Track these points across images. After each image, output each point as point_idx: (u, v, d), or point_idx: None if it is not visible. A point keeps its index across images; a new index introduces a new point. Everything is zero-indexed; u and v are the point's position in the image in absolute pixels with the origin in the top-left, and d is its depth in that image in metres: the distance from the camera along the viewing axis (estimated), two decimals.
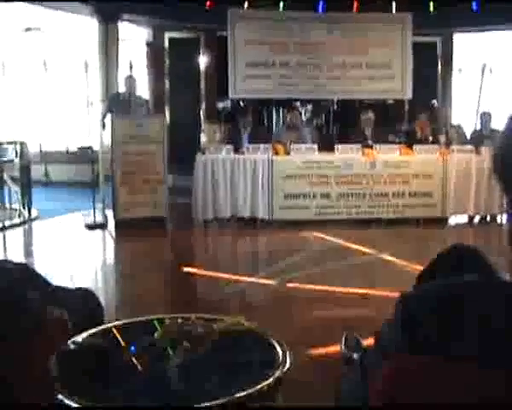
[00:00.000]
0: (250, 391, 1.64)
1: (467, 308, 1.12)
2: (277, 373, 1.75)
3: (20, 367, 1.74)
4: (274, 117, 13.70)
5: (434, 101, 13.79)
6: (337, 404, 1.70)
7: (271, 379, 1.72)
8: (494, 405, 1.07)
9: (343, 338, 2.56)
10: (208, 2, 12.28)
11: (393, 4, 12.60)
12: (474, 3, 12.27)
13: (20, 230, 9.07)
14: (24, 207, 9.49)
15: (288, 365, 1.81)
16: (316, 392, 3.44)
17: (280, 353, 1.89)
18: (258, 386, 1.67)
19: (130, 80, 9.53)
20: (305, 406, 3.18)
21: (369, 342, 3.32)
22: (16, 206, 9.53)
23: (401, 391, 1.13)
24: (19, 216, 9.37)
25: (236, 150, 9.15)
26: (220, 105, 13.79)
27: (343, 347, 2.39)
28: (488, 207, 9.00)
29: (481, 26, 12.91)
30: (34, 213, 9.60)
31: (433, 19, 12.57)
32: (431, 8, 12.51)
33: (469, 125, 10.97)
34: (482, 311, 1.11)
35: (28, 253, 7.94)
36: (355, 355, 2.24)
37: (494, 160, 1.23)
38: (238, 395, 1.63)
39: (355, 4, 12.57)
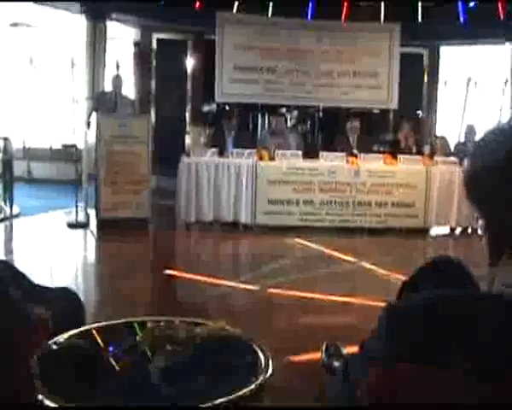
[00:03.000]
0: (232, 397, 1.63)
1: (452, 319, 1.13)
2: (260, 379, 1.75)
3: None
4: (259, 122, 13.69)
5: (419, 111, 13.86)
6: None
7: (253, 385, 1.71)
8: None
9: (323, 346, 2.58)
10: (198, 4, 12.25)
11: (382, 14, 12.65)
12: (461, 16, 12.36)
13: (0, 226, 9.00)
14: (5, 204, 9.42)
15: (270, 371, 1.81)
16: (297, 398, 3.44)
17: (262, 359, 1.88)
18: (241, 392, 1.66)
19: (117, 80, 9.50)
20: (294, 406, 3.17)
21: (349, 349, 3.34)
22: None
23: (387, 398, 1.14)
24: (0, 213, 9.30)
25: (221, 154, 9.15)
26: (206, 108, 13.76)
27: (324, 355, 2.40)
28: (470, 220, 9.04)
29: (468, 40, 13.00)
30: (16, 210, 9.52)
31: (421, 30, 12.64)
32: (419, 20, 12.57)
33: (453, 138, 11.04)
34: (467, 322, 1.12)
35: (8, 250, 7.88)
36: (336, 363, 2.25)
37: (466, 185, 1.24)
38: (220, 400, 1.62)
39: (344, 13, 12.61)
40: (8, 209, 9.38)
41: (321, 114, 13.61)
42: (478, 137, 1.29)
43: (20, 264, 5.91)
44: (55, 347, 1.92)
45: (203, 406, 1.61)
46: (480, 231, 8.67)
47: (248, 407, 1.70)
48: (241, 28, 12.41)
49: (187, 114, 13.75)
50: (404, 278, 1.75)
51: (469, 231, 9.33)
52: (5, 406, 1.71)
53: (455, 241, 9.22)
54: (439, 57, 13.88)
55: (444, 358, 1.11)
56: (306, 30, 12.51)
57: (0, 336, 1.78)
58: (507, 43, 12.81)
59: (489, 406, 1.08)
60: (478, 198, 1.22)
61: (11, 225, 9.14)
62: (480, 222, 1.25)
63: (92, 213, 8.93)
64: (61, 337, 2.01)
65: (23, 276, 2.52)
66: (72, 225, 8.74)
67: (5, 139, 9.77)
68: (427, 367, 1.11)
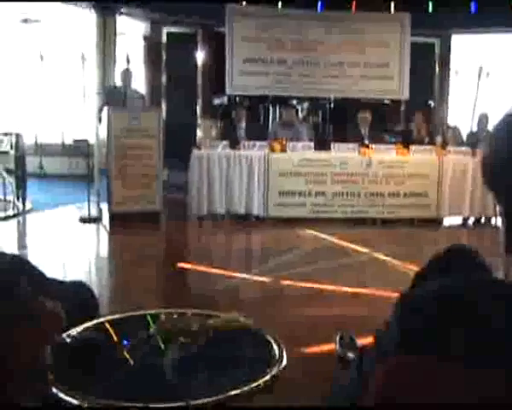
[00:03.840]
0: (246, 388, 1.63)
1: (467, 308, 1.12)
2: (274, 370, 1.74)
3: (12, 356, 1.73)
4: (270, 114, 13.66)
5: (431, 101, 13.79)
6: (330, 402, 1.69)
7: (268, 376, 1.71)
8: (493, 405, 1.06)
9: (338, 337, 2.57)
10: None
11: (392, 4, 12.58)
12: (472, 5, 12.27)
13: (14, 222, 9.04)
14: (18, 200, 9.46)
15: (284, 362, 1.80)
16: (307, 390, 3.44)
17: (276, 350, 1.88)
18: (255, 383, 1.66)
19: (127, 74, 9.49)
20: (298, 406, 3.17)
21: (363, 341, 3.33)
22: (11, 198, 9.51)
23: (397, 391, 1.12)
24: (13, 208, 9.34)
25: (232, 146, 9.14)
26: (217, 101, 13.74)
27: (338, 346, 2.39)
28: (483, 209, 9.01)
29: (479, 29, 12.91)
30: (28, 205, 9.56)
31: (432, 20, 12.55)
32: (430, 9, 12.49)
33: (465, 127, 10.98)
34: (482, 311, 1.10)
35: (22, 245, 7.91)
36: (350, 355, 2.24)
37: (483, 170, 1.22)
38: (234, 391, 1.62)
39: (353, 3, 12.55)
40: (21, 205, 9.42)
41: (332, 106, 13.56)
42: (494, 123, 1.27)
43: (34, 258, 5.92)
44: (68, 340, 1.93)
45: (218, 397, 1.61)
46: (495, 220, 8.65)
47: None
48: (250, 20, 12.37)
49: (197, 108, 13.75)
50: (416, 268, 1.73)
51: (482, 220, 9.29)
52: (12, 393, 1.71)
53: (468, 231, 9.18)
54: (450, 46, 13.80)
55: (457, 347, 1.09)
56: (316, 21, 12.46)
57: (13, 329, 1.79)
58: None
59: (503, 398, 1.06)
60: (495, 183, 1.20)
61: (24, 221, 9.18)
62: (498, 208, 1.23)
63: (104, 207, 8.94)
64: (75, 330, 2.01)
65: (36, 270, 2.52)
66: (84, 220, 8.76)
67: (17, 135, 9.80)
68: (439, 358, 1.10)
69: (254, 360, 1.85)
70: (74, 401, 1.59)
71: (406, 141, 9.65)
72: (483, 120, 9.78)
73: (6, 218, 8.98)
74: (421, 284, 1.38)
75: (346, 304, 5.45)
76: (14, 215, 9.19)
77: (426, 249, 7.41)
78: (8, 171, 9.59)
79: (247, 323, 2.10)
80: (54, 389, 1.61)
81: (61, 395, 1.60)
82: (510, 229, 1.22)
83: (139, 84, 11.50)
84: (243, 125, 10.01)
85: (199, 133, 13.13)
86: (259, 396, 1.69)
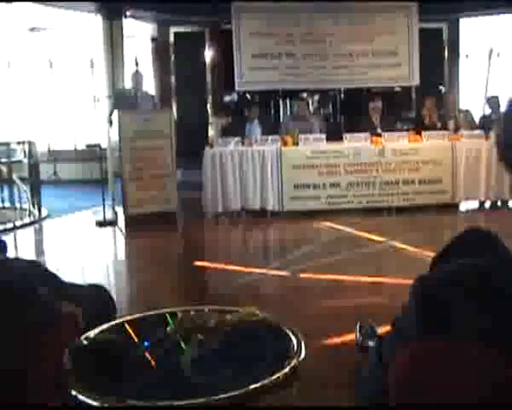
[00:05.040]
0: (265, 382, 1.62)
1: (483, 292, 1.10)
2: (293, 363, 1.73)
3: (31, 361, 1.73)
4: (281, 108, 13.65)
5: (442, 87, 13.71)
6: (354, 390, 1.68)
7: (287, 369, 1.69)
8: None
9: (357, 326, 2.54)
10: None
11: None
12: None
13: (30, 229, 9.10)
14: (34, 207, 9.52)
15: (303, 354, 1.79)
16: (331, 380, 3.43)
17: (295, 342, 1.87)
18: (274, 376, 1.65)
19: (137, 76, 9.48)
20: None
21: (383, 329, 3.31)
22: (26, 206, 9.57)
23: (418, 376, 1.11)
24: (29, 216, 9.41)
25: (244, 143, 9.14)
26: (227, 98, 13.75)
27: (357, 335, 2.37)
28: (499, 192, 8.95)
29: (487, 10, 12.81)
30: (44, 212, 9.63)
31: (439, 5, 12.45)
32: None
33: (478, 111, 10.90)
34: (498, 291, 1.09)
35: (39, 251, 7.96)
36: (370, 343, 2.22)
37: (498, 147, 1.21)
38: (253, 386, 1.61)
39: None
40: (36, 212, 9.49)
41: (342, 96, 13.54)
42: (506, 102, 1.25)
43: (52, 264, 5.96)
44: (86, 342, 1.93)
45: (237, 393, 1.60)
46: (511, 202, 8.57)
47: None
48: (257, 15, 12.35)
49: (208, 106, 13.75)
50: (434, 255, 1.71)
51: (499, 204, 9.22)
52: (37, 401, 1.71)
53: (485, 214, 9.12)
54: (458, 30, 13.70)
55: (473, 329, 1.08)
56: (323, 12, 12.41)
57: (31, 334, 1.79)
58: None
59: None
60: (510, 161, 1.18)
61: (41, 227, 9.23)
62: None
63: (120, 210, 8.97)
64: (93, 332, 2.01)
65: (53, 275, 2.52)
66: (100, 224, 8.80)
67: (30, 143, 9.86)
68: (457, 343, 1.09)
69: (273, 353, 1.84)
70: (95, 403, 1.59)
71: (418, 127, 9.60)
72: (495, 101, 9.71)
73: (23, 226, 9.03)
74: (439, 267, 1.37)
75: (366, 294, 5.44)
76: (31, 223, 9.25)
77: (443, 235, 7.39)
78: (23, 179, 9.65)
79: (266, 317, 2.09)
80: (73, 392, 1.61)
81: (81, 397, 1.60)
82: None
83: (149, 85, 11.51)
84: (255, 120, 10.01)
85: (210, 131, 13.14)
86: (280, 389, 1.69)
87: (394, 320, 1.32)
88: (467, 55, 13.79)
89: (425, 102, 10.22)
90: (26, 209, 9.53)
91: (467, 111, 10.47)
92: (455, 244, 1.61)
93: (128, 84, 10.09)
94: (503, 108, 1.27)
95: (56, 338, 1.87)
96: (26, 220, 9.25)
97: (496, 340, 1.06)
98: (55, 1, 11.06)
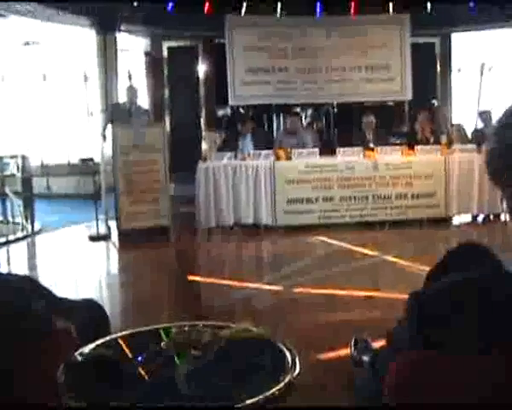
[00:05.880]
0: (260, 397, 1.61)
1: (479, 304, 1.11)
2: (288, 378, 1.73)
3: (25, 377, 1.72)
4: (274, 122, 13.68)
5: (434, 101, 13.77)
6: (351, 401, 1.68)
7: (282, 384, 1.69)
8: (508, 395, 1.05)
9: (352, 341, 2.56)
10: (207, 8, 12.23)
11: (390, 5, 12.57)
12: (471, 1, 12.23)
13: (23, 243, 9.06)
14: (27, 221, 9.48)
15: (297, 369, 1.79)
16: (328, 395, 3.42)
17: (289, 358, 1.86)
18: (269, 392, 1.65)
19: (132, 90, 9.48)
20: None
21: (377, 344, 3.31)
22: (19, 220, 9.53)
23: (414, 386, 1.11)
24: (22, 230, 9.37)
25: (237, 157, 9.15)
26: (220, 112, 13.78)
27: (353, 349, 2.38)
28: (491, 206, 8.96)
29: (479, 25, 12.91)
30: (37, 226, 9.59)
31: (431, 19, 12.55)
32: (428, 8, 12.48)
33: (470, 125, 10.95)
34: (497, 306, 1.09)
35: (32, 266, 7.92)
36: (365, 358, 2.23)
37: (488, 164, 1.21)
38: (248, 401, 1.61)
39: (352, 7, 12.55)
40: (29, 226, 9.45)
41: (335, 110, 13.58)
42: (497, 119, 1.26)
43: (44, 279, 5.93)
44: (80, 358, 1.92)
45: (233, 408, 1.60)
46: (504, 216, 8.60)
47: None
48: (250, 30, 12.40)
49: (201, 120, 13.77)
50: (428, 269, 1.72)
51: (492, 217, 9.25)
52: None
53: (478, 228, 9.14)
54: (450, 45, 13.81)
55: (471, 342, 1.08)
56: (315, 27, 12.48)
57: (25, 350, 1.78)
58: None
59: None
60: (501, 177, 1.19)
61: (33, 242, 9.20)
62: (505, 204, 1.22)
63: (113, 224, 8.95)
64: (87, 348, 2.00)
65: (46, 290, 2.52)
66: (93, 238, 8.78)
67: (23, 157, 9.84)
68: (453, 352, 1.09)
69: (267, 369, 1.84)
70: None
71: (411, 142, 9.64)
72: (487, 116, 9.77)
73: (16, 240, 9.00)
74: (437, 279, 1.37)
75: (360, 308, 5.44)
76: (24, 237, 9.21)
77: (437, 249, 7.39)
78: (16, 193, 9.62)
79: (259, 332, 2.09)
80: (67, 407, 1.61)
81: None
82: None
83: (142, 99, 11.53)
84: (248, 135, 10.03)
85: (204, 145, 13.15)
86: (275, 405, 1.68)
87: (388, 335, 1.32)
88: (459, 70, 13.87)
89: (418, 116, 10.26)
90: (18, 223, 9.49)
91: (459, 125, 10.51)
92: (450, 258, 1.62)
93: (122, 98, 10.10)
94: (494, 123, 1.28)
95: (51, 354, 1.86)
96: (19, 235, 9.21)
97: (491, 352, 1.07)
98: (52, 7, 11.04)
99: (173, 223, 8.94)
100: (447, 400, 1.08)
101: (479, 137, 9.34)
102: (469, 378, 1.07)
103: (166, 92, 13.71)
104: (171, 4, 12.01)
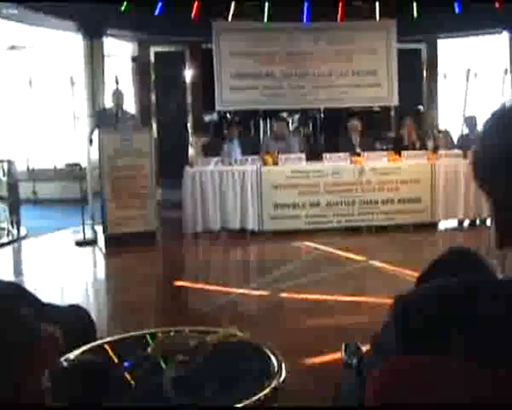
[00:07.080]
0: (247, 402, 1.62)
1: (466, 307, 1.11)
2: (274, 383, 1.73)
3: (11, 382, 1.71)
4: (261, 128, 13.69)
5: (421, 106, 13.83)
6: (335, 404, 1.68)
7: (268, 390, 1.70)
8: (493, 405, 1.06)
9: (343, 347, 2.55)
10: (194, 13, 12.23)
11: (377, 12, 12.63)
12: (456, 8, 12.31)
13: (9, 248, 9.01)
14: (12, 226, 9.43)
15: (283, 375, 1.79)
16: (314, 400, 3.42)
17: (275, 363, 1.87)
18: (255, 397, 1.65)
19: (118, 95, 9.44)
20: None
21: (364, 348, 3.32)
22: (5, 225, 9.48)
23: (397, 392, 1.12)
24: (7, 235, 9.32)
25: (224, 162, 9.15)
26: (207, 117, 13.77)
27: (343, 354, 2.38)
28: (477, 211, 9.01)
29: (465, 31, 12.99)
30: (23, 231, 9.53)
31: (418, 25, 12.61)
32: (415, 15, 12.54)
33: (456, 130, 11.01)
34: (482, 310, 1.10)
35: (18, 271, 7.89)
36: (354, 360, 2.23)
37: (474, 168, 1.22)
38: (236, 405, 1.61)
39: (339, 13, 12.59)
40: (15, 231, 9.40)
41: (322, 116, 13.61)
42: (482, 123, 1.27)
43: (31, 284, 5.90)
44: (66, 364, 1.92)
45: None
46: (488, 221, 8.65)
47: None
48: (237, 35, 12.42)
49: (188, 125, 13.76)
50: (414, 273, 1.73)
51: (478, 222, 9.30)
52: None
53: (464, 233, 9.19)
54: (436, 51, 13.87)
55: (457, 347, 1.09)
56: (303, 32, 12.51)
57: (11, 356, 1.78)
58: (504, 32, 12.79)
59: (504, 398, 1.06)
60: (486, 180, 1.20)
61: (19, 247, 9.15)
62: (489, 208, 1.23)
63: (99, 229, 8.92)
64: (73, 354, 2.00)
65: (32, 296, 2.51)
66: (80, 243, 8.74)
67: (9, 162, 9.79)
68: (438, 358, 1.10)
69: (254, 374, 1.84)
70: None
71: (398, 147, 9.67)
72: (472, 121, 9.83)
73: (1, 245, 8.95)
74: (420, 285, 1.38)
75: (346, 313, 5.45)
76: (10, 242, 9.16)
77: (423, 254, 7.42)
78: (1, 198, 9.57)
79: (245, 337, 2.09)
80: None
81: None
82: (500, 225, 1.22)
83: (129, 104, 11.50)
84: (235, 140, 10.03)
85: (191, 151, 13.14)
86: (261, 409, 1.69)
87: (373, 338, 1.33)
88: (445, 75, 13.93)
89: (404, 121, 10.31)
90: (4, 229, 9.44)
91: (445, 131, 10.57)
92: (440, 263, 1.63)
93: (108, 103, 10.06)
94: (480, 128, 1.30)
95: (37, 360, 1.85)
96: (5, 240, 9.16)
97: (477, 354, 1.08)
98: (38, 12, 10.99)
99: (160, 228, 8.93)
100: (430, 407, 1.09)
101: (465, 143, 9.39)
102: (453, 384, 1.08)
103: (153, 97, 13.69)
104: (159, 6, 12.00)
